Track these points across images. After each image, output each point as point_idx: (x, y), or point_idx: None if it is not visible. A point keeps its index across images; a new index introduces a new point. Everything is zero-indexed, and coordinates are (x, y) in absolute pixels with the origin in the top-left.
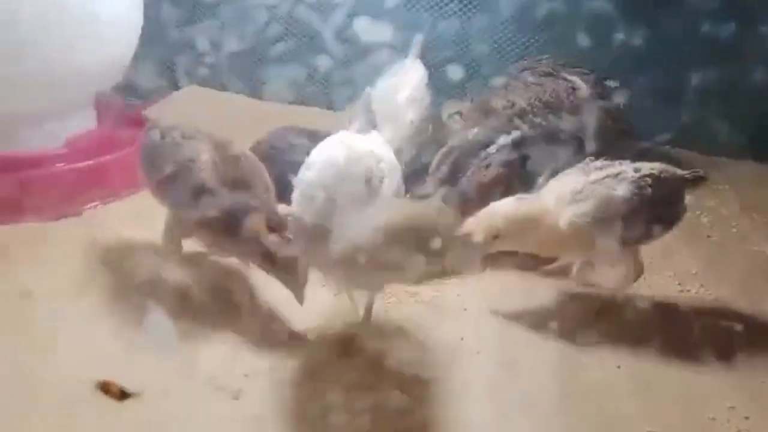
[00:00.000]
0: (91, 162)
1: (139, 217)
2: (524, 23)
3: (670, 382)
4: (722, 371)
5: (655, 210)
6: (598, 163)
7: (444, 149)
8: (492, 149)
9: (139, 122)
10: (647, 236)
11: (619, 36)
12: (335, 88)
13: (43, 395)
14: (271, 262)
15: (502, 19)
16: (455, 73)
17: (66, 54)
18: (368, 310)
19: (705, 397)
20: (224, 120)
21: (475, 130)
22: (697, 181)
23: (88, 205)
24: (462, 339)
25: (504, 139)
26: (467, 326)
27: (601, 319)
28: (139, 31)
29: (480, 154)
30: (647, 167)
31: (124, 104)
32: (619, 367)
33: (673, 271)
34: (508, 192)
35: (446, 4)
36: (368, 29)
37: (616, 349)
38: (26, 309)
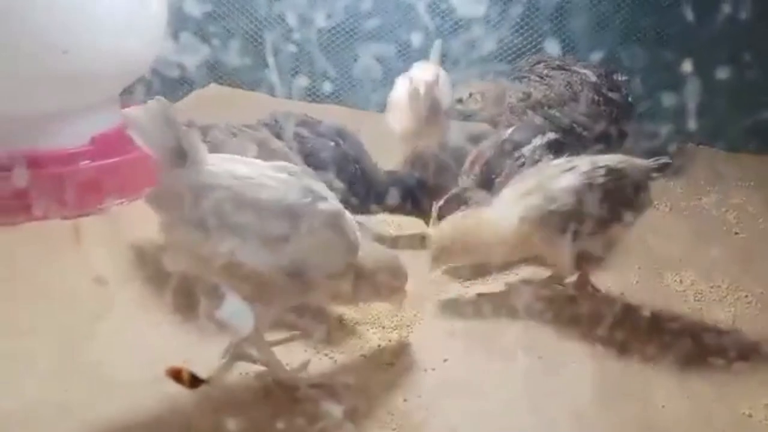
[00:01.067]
0: (116, 159)
1: None
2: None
3: (706, 379)
4: (757, 367)
5: (609, 201)
6: (559, 161)
7: (476, 150)
8: (526, 150)
9: None
10: (602, 227)
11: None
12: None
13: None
14: None
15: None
16: (552, 47)
17: (90, 54)
18: None
19: (741, 394)
20: (246, 118)
21: (509, 131)
22: (663, 168)
23: (115, 202)
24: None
25: (539, 140)
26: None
27: (633, 318)
28: (163, 29)
29: (513, 155)
30: (604, 159)
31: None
32: (656, 364)
33: (702, 267)
34: None
35: None
36: (464, 3)
37: (651, 347)
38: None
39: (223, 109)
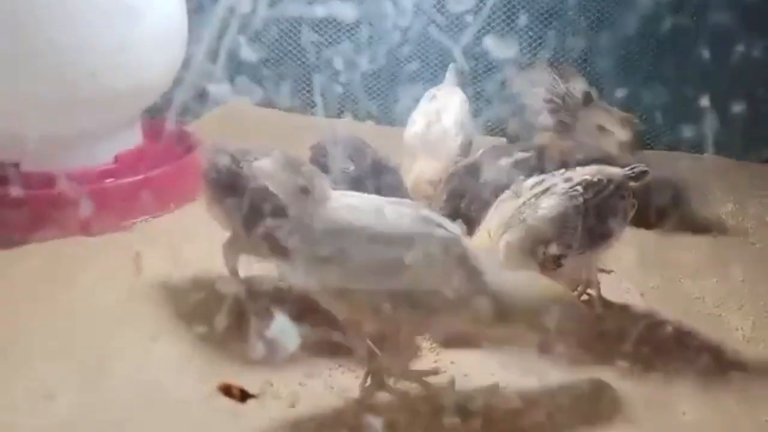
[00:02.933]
0: (139, 177)
1: (187, 230)
2: (647, 40)
3: (724, 385)
4: None
5: (593, 216)
6: (531, 180)
7: (446, 176)
8: (494, 172)
9: (182, 138)
10: (590, 244)
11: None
12: None
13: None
14: None
15: (628, 35)
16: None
17: (114, 76)
18: None
19: (760, 400)
20: (265, 135)
21: (478, 153)
22: (640, 177)
23: (138, 219)
24: None
25: (506, 161)
26: None
27: (655, 331)
28: (185, 48)
29: (481, 178)
30: (579, 174)
31: (169, 121)
32: (678, 375)
33: (719, 277)
34: None
35: (574, 22)
36: (497, 47)
37: (670, 355)
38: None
39: (243, 126)
